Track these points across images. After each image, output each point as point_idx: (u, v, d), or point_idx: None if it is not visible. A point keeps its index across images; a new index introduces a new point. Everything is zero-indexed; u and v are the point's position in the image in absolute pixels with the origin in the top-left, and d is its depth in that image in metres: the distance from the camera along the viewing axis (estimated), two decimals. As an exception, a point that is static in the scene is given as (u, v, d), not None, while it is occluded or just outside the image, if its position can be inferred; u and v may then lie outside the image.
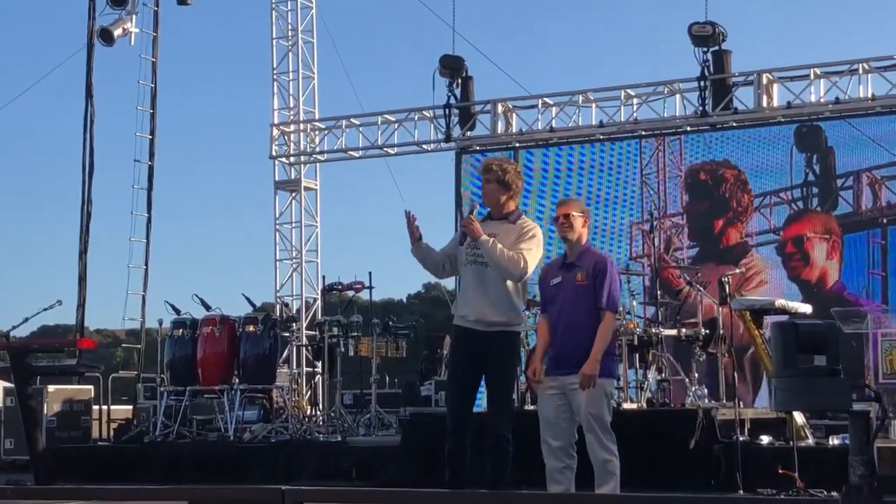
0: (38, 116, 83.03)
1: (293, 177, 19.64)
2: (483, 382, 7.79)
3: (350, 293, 14.70)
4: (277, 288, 19.55)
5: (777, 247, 15.96)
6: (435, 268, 7.92)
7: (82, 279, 17.44)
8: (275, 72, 19.74)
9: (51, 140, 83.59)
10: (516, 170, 7.95)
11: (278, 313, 15.80)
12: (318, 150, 19.48)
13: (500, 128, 17.79)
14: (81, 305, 17.33)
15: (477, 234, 7.57)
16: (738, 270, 12.67)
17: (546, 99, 17.66)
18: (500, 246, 7.55)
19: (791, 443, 9.52)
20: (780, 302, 11.39)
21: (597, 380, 7.31)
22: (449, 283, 16.92)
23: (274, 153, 19.53)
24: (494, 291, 7.63)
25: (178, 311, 13.73)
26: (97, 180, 17.58)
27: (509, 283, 7.65)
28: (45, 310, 12.90)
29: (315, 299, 19.20)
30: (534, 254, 7.65)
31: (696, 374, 11.98)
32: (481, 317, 7.64)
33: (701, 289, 12.29)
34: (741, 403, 10.26)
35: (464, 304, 7.76)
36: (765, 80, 16.17)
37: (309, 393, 17.26)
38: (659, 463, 9.98)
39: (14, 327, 12.22)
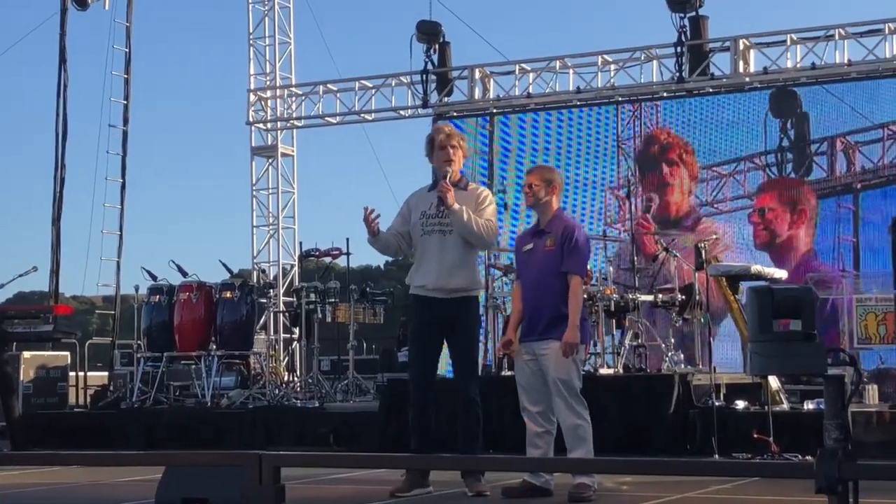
0: (12, 81, 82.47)
1: (270, 143, 19.57)
2: (448, 349, 7.83)
3: (327, 259, 14.69)
4: (254, 254, 19.52)
5: (749, 213, 16.00)
6: (392, 251, 8.01)
7: (56, 245, 17.38)
8: (251, 37, 19.63)
9: (25, 105, 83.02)
10: (461, 135, 8.01)
11: (255, 279, 15.80)
12: (294, 115, 19.41)
13: (478, 94, 17.75)
14: (56, 272, 17.27)
15: (452, 201, 7.58)
16: (714, 236, 12.70)
17: (523, 65, 17.63)
18: (473, 215, 7.59)
19: (766, 407, 9.58)
20: (755, 267, 11.44)
21: (555, 342, 7.34)
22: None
23: (251, 119, 19.45)
24: (457, 258, 7.66)
25: (154, 278, 13.70)
26: (71, 145, 17.52)
27: (468, 249, 7.71)
28: (20, 276, 12.91)
29: (292, 265, 19.19)
30: (495, 220, 7.80)
31: (673, 340, 12.02)
32: (443, 284, 7.65)
33: (677, 254, 12.32)
34: (716, 368, 10.31)
35: (424, 273, 7.75)
36: (741, 46, 16.18)
37: (286, 359, 17.28)
38: (635, 428, 10.05)
39: (-11, 294, 12.18)
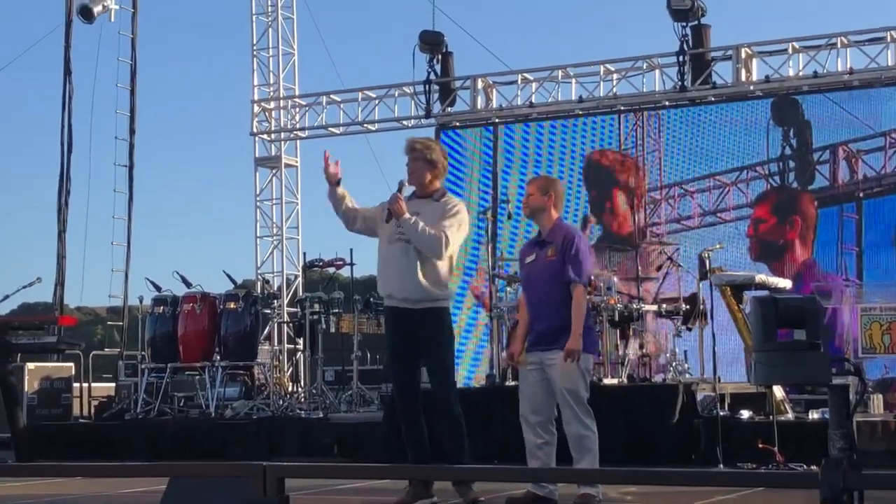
0: (19, 92, 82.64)
1: (273, 153, 19.59)
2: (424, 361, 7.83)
3: (331, 270, 14.69)
4: (258, 265, 19.54)
5: (750, 223, 15.98)
6: (346, 218, 7.88)
7: (61, 257, 17.39)
8: (255, 48, 19.66)
9: (33, 117, 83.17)
10: (441, 149, 7.99)
11: (259, 290, 15.79)
12: (298, 126, 19.42)
13: (480, 103, 17.76)
14: (60, 283, 17.29)
15: (400, 212, 7.55)
16: (717, 246, 12.68)
17: (526, 74, 17.64)
18: (421, 224, 7.54)
19: (771, 417, 9.57)
20: (760, 277, 11.42)
21: (560, 352, 7.34)
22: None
23: (254, 130, 19.47)
24: (420, 269, 7.61)
25: (158, 289, 13.71)
26: (81, 157, 17.55)
27: (435, 260, 7.64)
28: (24, 287, 12.90)
29: (296, 276, 19.19)
30: (454, 231, 7.63)
31: (677, 350, 12.01)
32: (408, 294, 7.63)
33: (681, 264, 12.32)
34: (721, 378, 10.30)
35: (390, 283, 7.73)
36: (743, 55, 16.18)
37: (290, 370, 17.27)
38: (639, 438, 10.04)
39: (-7, 305, 12.19)
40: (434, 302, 7.68)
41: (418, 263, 7.61)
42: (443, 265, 7.70)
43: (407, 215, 7.55)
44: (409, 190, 7.83)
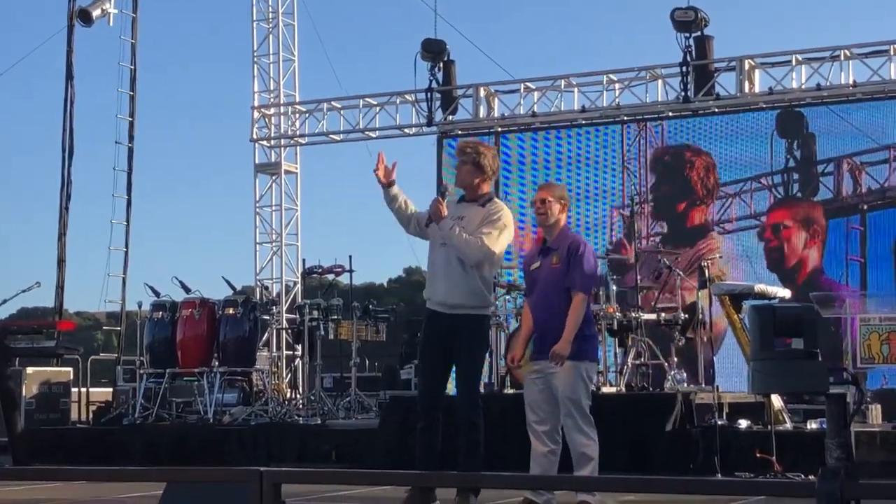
0: (20, 96, 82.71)
1: (273, 160, 19.59)
2: (454, 367, 7.80)
3: (330, 276, 14.70)
4: (257, 271, 19.53)
5: (757, 232, 16.00)
6: (404, 220, 7.83)
7: (61, 261, 17.38)
8: (255, 54, 19.66)
9: (32, 121, 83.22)
10: (493, 153, 7.89)
11: (258, 296, 15.81)
12: (299, 132, 19.42)
13: (483, 112, 17.78)
14: (60, 287, 17.27)
15: (440, 216, 7.55)
16: (717, 255, 12.68)
17: (528, 83, 17.65)
18: (458, 230, 7.51)
19: (769, 427, 9.56)
20: (759, 287, 11.42)
21: (566, 360, 7.33)
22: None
23: (255, 136, 19.47)
24: (460, 275, 7.58)
25: (157, 294, 13.69)
26: (79, 161, 17.53)
27: (474, 267, 7.60)
28: (23, 291, 12.91)
29: (295, 282, 19.18)
30: (495, 237, 7.56)
31: (675, 359, 12.00)
32: (446, 299, 7.61)
33: (680, 273, 12.31)
34: (719, 387, 10.29)
35: (431, 285, 7.74)
36: (747, 66, 16.19)
37: (289, 376, 17.26)
38: (638, 446, 10.02)
39: (-8, 309, 12.18)
40: (471, 309, 7.62)
41: (459, 269, 7.58)
42: (484, 272, 7.67)
43: (446, 220, 7.53)
44: (458, 192, 7.81)
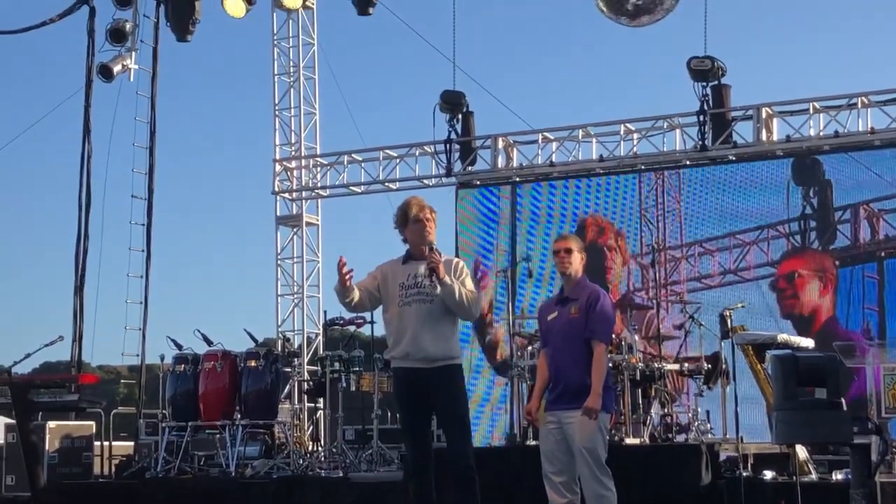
0: (37, 151, 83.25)
1: (295, 212, 19.67)
2: (436, 418, 7.81)
3: (352, 328, 14.69)
4: (279, 323, 19.54)
5: (772, 282, 15.95)
6: (359, 306, 7.79)
7: (78, 315, 17.39)
8: (277, 107, 19.80)
9: (51, 175, 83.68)
10: (432, 208, 7.89)
11: (280, 348, 15.79)
12: (320, 185, 19.52)
13: (501, 162, 17.84)
14: (78, 340, 17.24)
15: (444, 273, 7.53)
16: (739, 305, 12.64)
17: (546, 133, 17.71)
18: (458, 287, 7.53)
19: (794, 478, 9.49)
20: (782, 336, 11.39)
21: (599, 412, 7.33)
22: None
23: (276, 189, 19.58)
24: (439, 328, 7.58)
25: (179, 347, 13.72)
26: (101, 213, 17.55)
27: (449, 319, 7.61)
28: (46, 345, 12.89)
29: (317, 334, 19.20)
30: (476, 291, 7.73)
31: (699, 409, 11.94)
32: (426, 355, 7.56)
33: (702, 323, 12.29)
34: (744, 438, 10.24)
35: (405, 344, 7.63)
36: (764, 115, 16.21)
37: (311, 428, 17.22)
38: (662, 499, 9.95)
39: (16, 363, 12.19)
40: (448, 360, 7.63)
41: (443, 322, 7.59)
42: (453, 325, 7.70)
43: (448, 277, 7.53)
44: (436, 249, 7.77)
